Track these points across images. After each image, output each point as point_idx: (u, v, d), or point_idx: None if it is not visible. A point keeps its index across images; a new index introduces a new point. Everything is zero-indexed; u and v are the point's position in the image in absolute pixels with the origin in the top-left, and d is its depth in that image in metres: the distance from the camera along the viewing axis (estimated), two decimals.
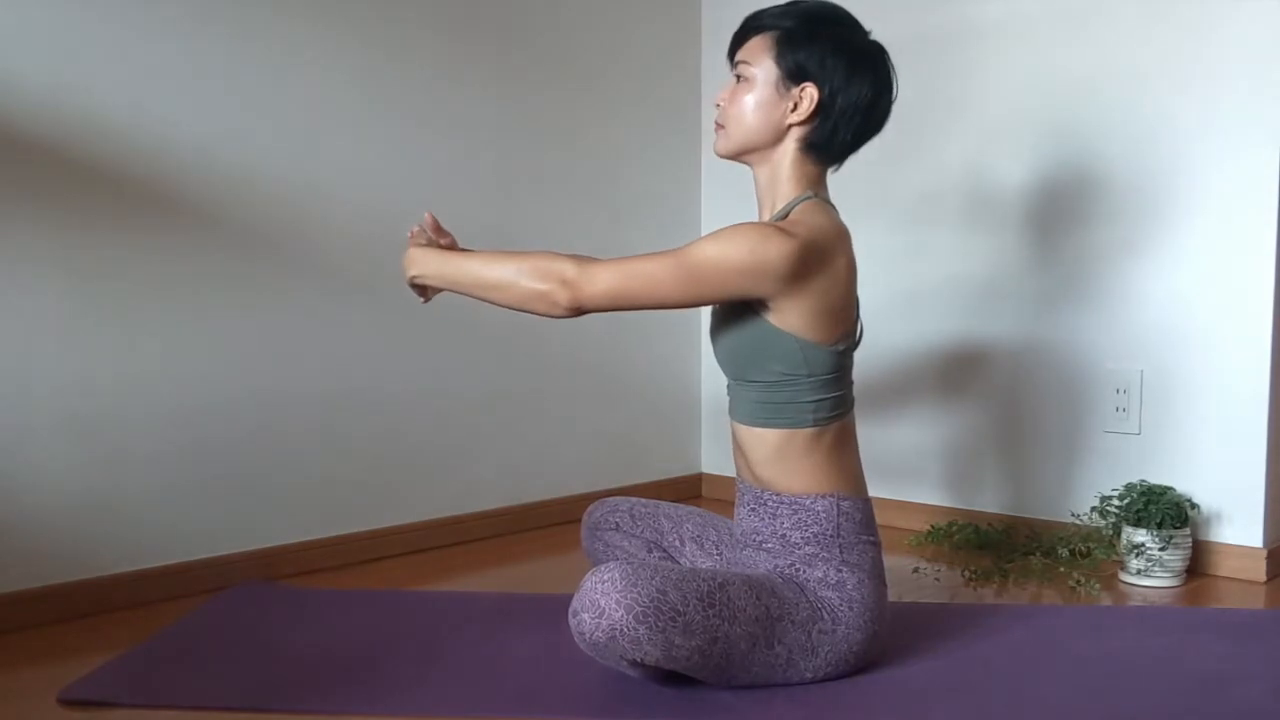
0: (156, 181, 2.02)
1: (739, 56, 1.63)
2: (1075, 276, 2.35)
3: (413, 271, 1.64)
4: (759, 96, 1.59)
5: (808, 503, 1.56)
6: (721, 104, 1.64)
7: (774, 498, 1.58)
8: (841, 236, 1.56)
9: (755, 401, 1.58)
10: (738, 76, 1.62)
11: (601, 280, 1.52)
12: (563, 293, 1.52)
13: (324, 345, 2.26)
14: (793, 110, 1.58)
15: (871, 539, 1.60)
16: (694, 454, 3.04)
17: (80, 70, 1.92)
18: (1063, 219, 2.36)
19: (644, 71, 2.86)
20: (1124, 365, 2.29)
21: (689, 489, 2.98)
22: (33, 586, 1.88)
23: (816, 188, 1.62)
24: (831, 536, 1.55)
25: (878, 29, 1.63)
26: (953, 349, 2.52)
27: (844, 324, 1.56)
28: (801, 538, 1.56)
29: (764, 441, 1.58)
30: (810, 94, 1.57)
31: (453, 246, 1.67)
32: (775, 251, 1.46)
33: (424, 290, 1.68)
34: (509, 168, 2.56)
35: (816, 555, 1.55)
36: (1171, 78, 2.20)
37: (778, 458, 1.58)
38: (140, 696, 1.52)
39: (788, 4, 1.62)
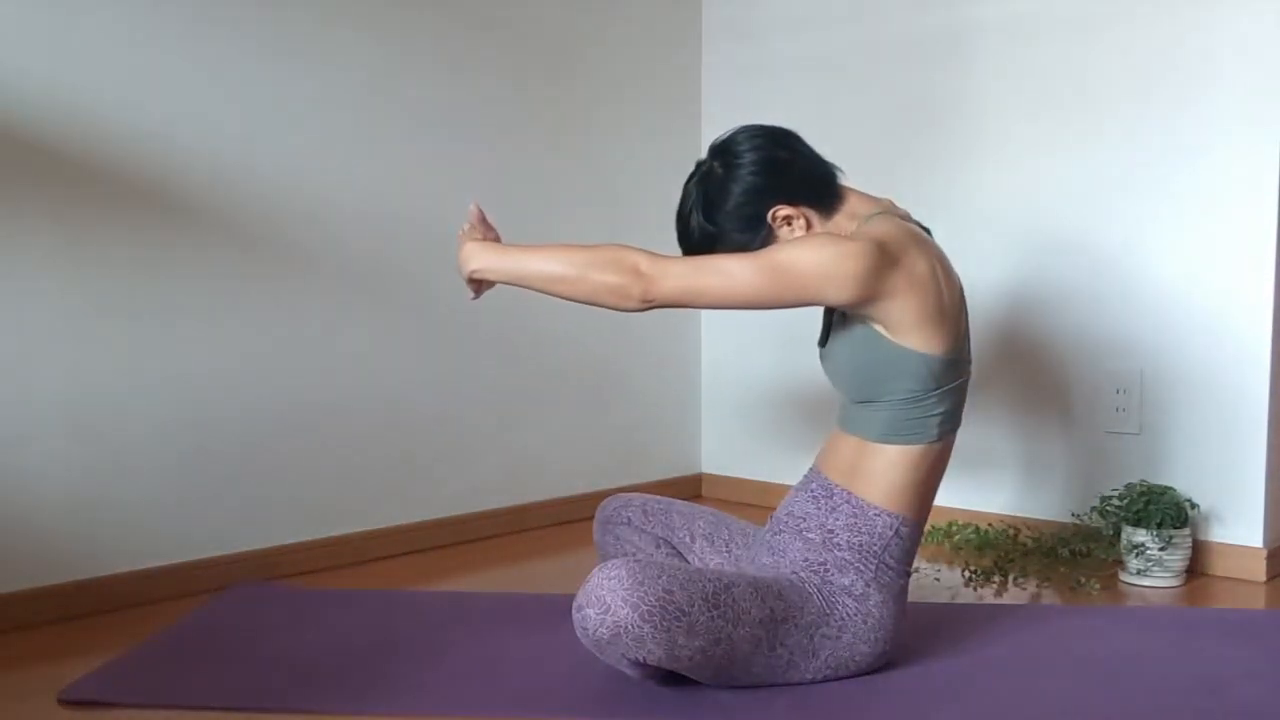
0: (159, 183, 2.01)
1: None
2: (1075, 277, 2.35)
3: (472, 266, 1.60)
4: None
5: (871, 512, 1.56)
6: None
7: (843, 494, 1.58)
8: (914, 240, 1.55)
9: (886, 420, 1.56)
10: None
11: (676, 274, 1.51)
12: (637, 285, 1.51)
13: (324, 345, 2.26)
14: (792, 229, 1.60)
15: (907, 570, 1.60)
16: (694, 454, 3.04)
17: (82, 71, 1.92)
18: (1061, 219, 2.36)
19: (644, 71, 2.85)
20: (1124, 365, 2.29)
21: (689, 489, 2.98)
22: (33, 586, 1.88)
23: (874, 207, 1.63)
24: (875, 553, 1.55)
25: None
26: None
27: (953, 329, 1.55)
28: (847, 541, 1.56)
29: (880, 456, 1.57)
30: (779, 215, 1.59)
31: (496, 240, 1.66)
32: (848, 250, 1.47)
33: (479, 286, 1.64)
34: (510, 169, 2.56)
35: (851, 563, 1.55)
36: (1171, 77, 2.20)
37: (882, 469, 1.57)
38: (140, 696, 1.53)
39: (682, 229, 1.66)
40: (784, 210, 1.59)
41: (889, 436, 1.57)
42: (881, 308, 1.51)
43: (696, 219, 1.63)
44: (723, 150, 1.63)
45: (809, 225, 1.60)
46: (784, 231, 1.60)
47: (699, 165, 1.66)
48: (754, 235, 1.60)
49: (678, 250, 1.67)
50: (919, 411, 1.55)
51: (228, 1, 2.09)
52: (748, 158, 1.60)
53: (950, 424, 1.60)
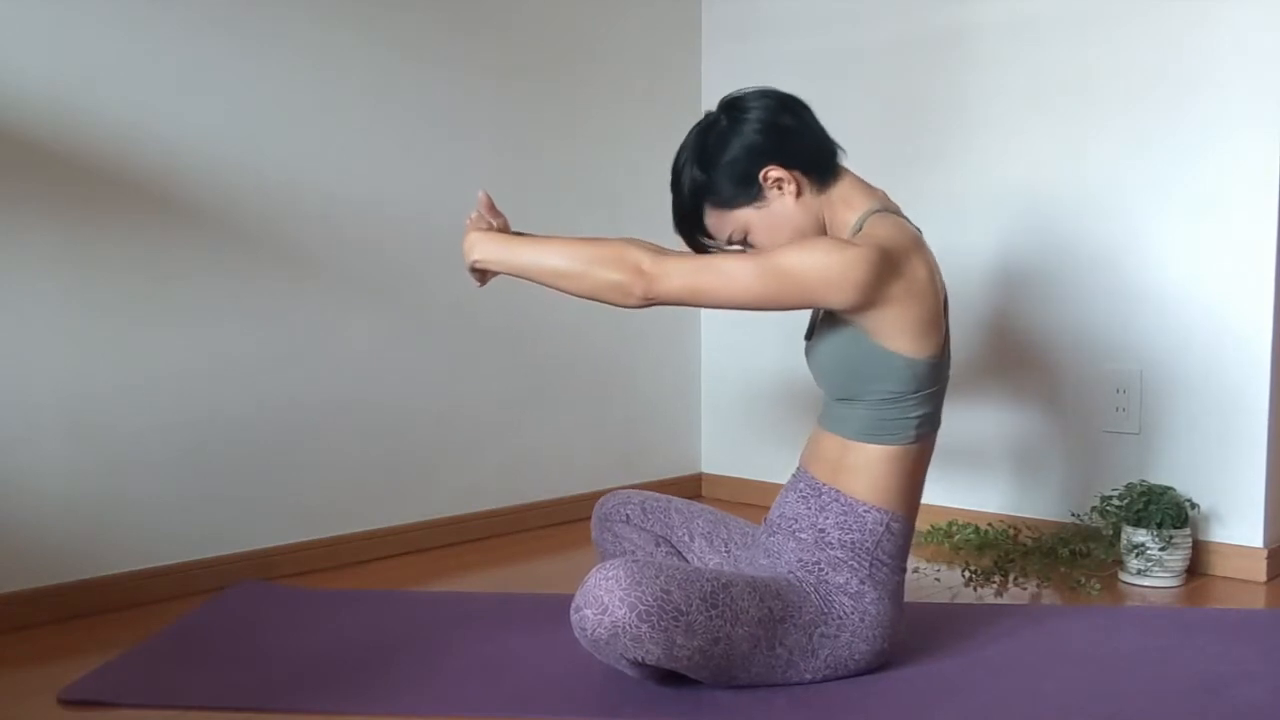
0: (160, 184, 2.02)
1: (720, 237, 1.64)
2: (1075, 276, 2.34)
3: (475, 255, 1.60)
4: (767, 222, 1.60)
5: (861, 509, 1.56)
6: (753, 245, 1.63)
7: (831, 492, 1.58)
8: (915, 244, 1.55)
9: (864, 419, 1.57)
10: (741, 243, 1.64)
11: (678, 273, 1.51)
12: (638, 284, 1.51)
13: (323, 346, 2.26)
14: (783, 194, 1.59)
15: (902, 566, 1.61)
16: (694, 454, 3.04)
17: (82, 70, 1.92)
18: (1060, 218, 2.36)
19: (644, 71, 2.85)
20: (1124, 365, 2.29)
21: (689, 489, 2.98)
22: (33, 586, 1.88)
23: (870, 199, 1.62)
24: (868, 549, 1.55)
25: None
26: (951, 349, 2.51)
27: (939, 333, 1.56)
28: (839, 539, 1.56)
29: (860, 454, 1.57)
30: (770, 176, 1.59)
31: (505, 228, 1.65)
32: (852, 256, 1.47)
33: (483, 275, 1.64)
34: (509, 168, 2.55)
35: (845, 561, 1.55)
36: (1172, 77, 2.20)
37: (864, 466, 1.57)
38: (140, 696, 1.53)
39: (674, 178, 1.65)
40: (776, 172, 1.58)
41: (866, 436, 1.57)
42: (878, 314, 1.51)
43: (690, 170, 1.62)
44: (731, 105, 1.63)
45: (799, 191, 1.59)
46: (773, 194, 1.59)
47: (706, 116, 1.65)
48: (743, 192, 1.60)
49: (680, 246, 1.67)
50: (897, 412, 1.55)
51: (229, 1, 2.09)
52: (754, 114, 1.60)
53: (928, 426, 1.60)
